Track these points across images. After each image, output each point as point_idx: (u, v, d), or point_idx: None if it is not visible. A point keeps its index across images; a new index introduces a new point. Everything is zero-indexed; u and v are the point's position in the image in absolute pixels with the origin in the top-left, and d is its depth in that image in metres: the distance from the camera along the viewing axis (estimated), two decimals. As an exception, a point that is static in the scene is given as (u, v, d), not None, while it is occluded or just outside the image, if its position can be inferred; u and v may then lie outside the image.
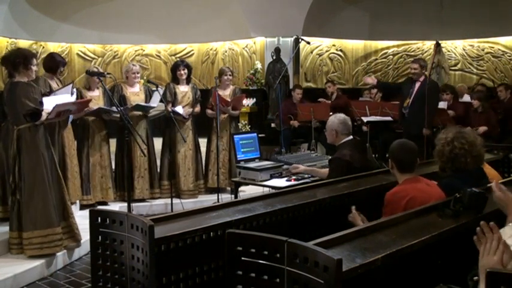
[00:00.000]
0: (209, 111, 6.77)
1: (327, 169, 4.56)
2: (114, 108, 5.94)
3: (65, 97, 5.19)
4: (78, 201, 6.05)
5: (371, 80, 7.76)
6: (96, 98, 6.16)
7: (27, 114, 4.42)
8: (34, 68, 4.61)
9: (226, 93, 7.00)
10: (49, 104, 4.70)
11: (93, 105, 6.04)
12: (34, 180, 4.47)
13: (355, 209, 3.26)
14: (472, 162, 3.35)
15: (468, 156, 3.33)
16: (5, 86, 4.75)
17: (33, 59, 4.62)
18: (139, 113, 6.42)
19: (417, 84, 7.13)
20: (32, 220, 4.45)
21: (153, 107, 6.44)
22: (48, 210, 4.49)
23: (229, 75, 7.00)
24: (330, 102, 9.13)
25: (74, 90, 5.58)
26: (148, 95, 6.56)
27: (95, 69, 6.39)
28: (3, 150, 4.84)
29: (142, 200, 6.52)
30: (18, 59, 4.49)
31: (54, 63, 5.75)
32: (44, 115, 4.50)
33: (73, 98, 5.32)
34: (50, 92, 5.41)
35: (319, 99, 9.25)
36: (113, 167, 6.49)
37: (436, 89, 7.29)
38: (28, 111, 4.40)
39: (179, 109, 6.58)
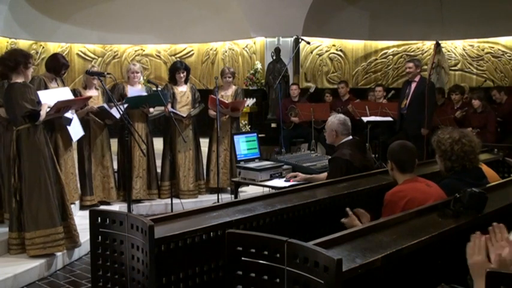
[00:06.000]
0: (212, 112, 6.76)
1: (326, 173, 4.56)
2: (114, 112, 5.94)
3: (64, 94, 5.22)
4: (77, 202, 6.04)
5: None
6: (95, 98, 6.15)
7: (26, 116, 4.42)
8: (31, 68, 4.61)
9: (228, 93, 7.01)
10: (45, 97, 4.71)
11: (93, 105, 6.04)
12: (35, 180, 4.47)
13: (350, 210, 3.22)
14: (474, 160, 3.40)
15: (476, 154, 3.37)
16: (1, 88, 4.73)
17: (31, 58, 4.63)
18: (139, 112, 6.42)
19: (413, 85, 7.14)
20: (34, 220, 4.45)
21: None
22: (50, 210, 4.50)
23: (229, 77, 7.01)
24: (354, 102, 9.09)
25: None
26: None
27: (94, 69, 6.36)
28: None
29: (140, 201, 6.52)
30: (19, 57, 4.49)
31: (57, 64, 5.74)
32: (44, 112, 4.49)
33: (72, 96, 5.36)
34: None
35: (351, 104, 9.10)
36: (115, 166, 6.49)
37: (433, 89, 7.29)
38: (26, 113, 4.40)
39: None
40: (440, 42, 7.82)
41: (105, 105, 6.02)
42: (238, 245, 2.27)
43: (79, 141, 6.10)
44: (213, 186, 6.88)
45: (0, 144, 4.86)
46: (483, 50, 11.50)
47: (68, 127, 5.62)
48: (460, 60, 11.68)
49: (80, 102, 5.42)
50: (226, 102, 6.69)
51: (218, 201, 5.73)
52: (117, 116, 5.92)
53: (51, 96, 4.89)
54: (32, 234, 4.44)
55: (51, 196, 4.52)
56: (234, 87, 7.11)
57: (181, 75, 6.72)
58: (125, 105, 5.87)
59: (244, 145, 5.28)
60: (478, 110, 7.91)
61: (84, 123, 6.11)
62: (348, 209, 3.20)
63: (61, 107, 4.75)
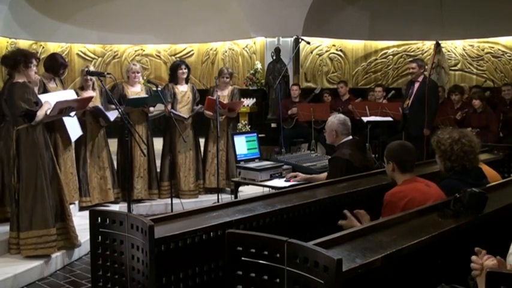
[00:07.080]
0: (207, 112, 6.76)
1: (326, 173, 4.56)
2: (110, 113, 5.93)
3: (67, 94, 5.20)
4: (77, 202, 6.03)
5: None
6: (93, 99, 6.11)
7: (22, 115, 4.42)
8: (34, 68, 4.61)
9: (224, 93, 7.00)
10: (49, 100, 4.70)
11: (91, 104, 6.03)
12: (32, 180, 4.46)
13: (348, 212, 3.18)
14: (474, 160, 3.39)
15: (476, 154, 3.37)
16: (4, 86, 4.74)
17: (33, 58, 4.61)
18: (139, 112, 6.42)
19: (416, 85, 7.13)
20: (29, 220, 4.45)
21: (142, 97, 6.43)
22: (44, 211, 4.48)
23: (227, 77, 6.99)
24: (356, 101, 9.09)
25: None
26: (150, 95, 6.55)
27: (87, 69, 6.28)
28: (3, 149, 4.83)
29: (140, 201, 6.51)
30: (19, 57, 4.49)
31: (55, 64, 5.72)
32: (42, 113, 4.49)
33: (75, 96, 5.35)
34: (44, 93, 5.38)
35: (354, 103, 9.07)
36: (115, 167, 6.48)
37: (436, 88, 7.29)
38: (22, 113, 4.40)
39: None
40: (440, 42, 7.82)
41: (99, 106, 6.01)
42: (238, 245, 2.26)
43: (76, 142, 6.06)
44: (209, 187, 6.90)
45: (8, 141, 4.84)
46: (483, 50, 11.50)
47: (66, 127, 5.62)
48: (460, 60, 11.68)
49: (83, 103, 5.38)
50: (224, 102, 6.69)
51: (218, 201, 5.73)
52: (111, 118, 5.93)
53: (55, 99, 4.85)
54: (25, 235, 4.44)
55: (46, 197, 4.51)
56: (230, 88, 7.09)
57: (184, 70, 6.71)
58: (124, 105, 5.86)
59: (244, 145, 5.28)
60: (478, 110, 7.90)
61: (81, 124, 6.07)
62: (345, 211, 3.18)
63: (62, 108, 4.73)
